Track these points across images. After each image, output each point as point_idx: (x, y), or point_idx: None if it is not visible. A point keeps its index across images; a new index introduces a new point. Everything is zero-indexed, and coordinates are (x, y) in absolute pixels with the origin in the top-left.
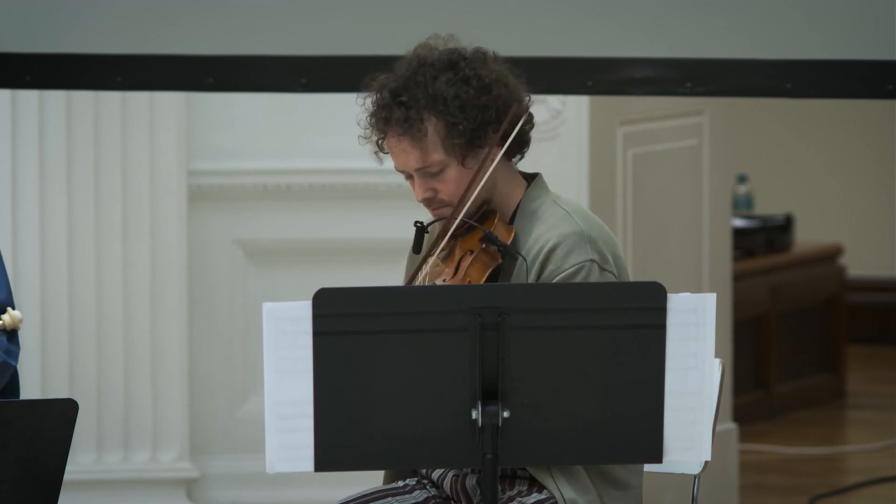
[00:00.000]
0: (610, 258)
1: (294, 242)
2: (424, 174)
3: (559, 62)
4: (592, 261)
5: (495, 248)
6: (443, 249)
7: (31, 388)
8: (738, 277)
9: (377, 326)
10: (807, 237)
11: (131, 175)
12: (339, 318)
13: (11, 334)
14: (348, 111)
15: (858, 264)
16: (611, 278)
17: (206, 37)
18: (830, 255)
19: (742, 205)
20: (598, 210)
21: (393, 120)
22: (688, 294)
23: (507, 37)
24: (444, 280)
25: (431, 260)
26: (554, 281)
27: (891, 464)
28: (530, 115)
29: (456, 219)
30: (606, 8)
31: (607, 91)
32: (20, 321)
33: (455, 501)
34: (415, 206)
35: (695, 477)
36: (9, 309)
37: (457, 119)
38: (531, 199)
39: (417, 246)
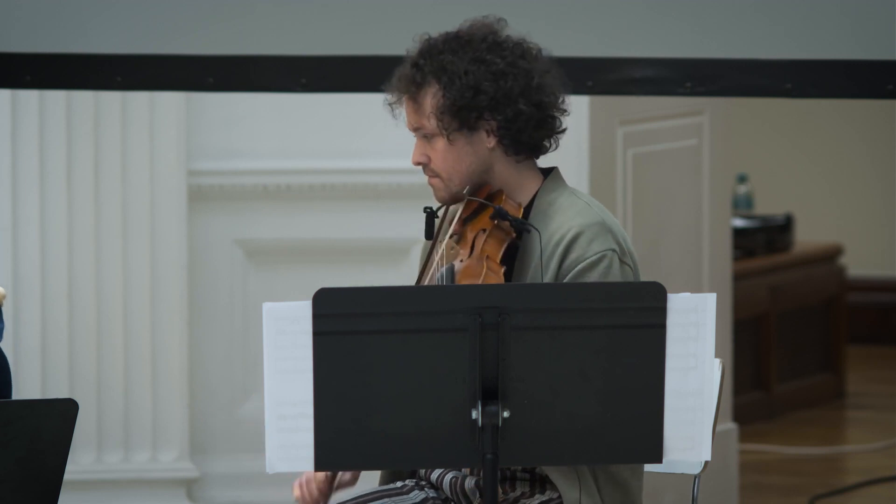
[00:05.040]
0: (627, 251)
1: (294, 242)
2: (422, 137)
3: (559, 62)
4: (614, 250)
5: (507, 222)
6: (454, 233)
7: (31, 388)
8: (738, 277)
9: (377, 326)
10: (807, 237)
11: (131, 175)
12: (339, 318)
13: None
14: (348, 111)
15: (858, 264)
16: (628, 270)
17: (206, 37)
18: (830, 255)
19: (742, 205)
20: None
21: (401, 78)
22: (688, 294)
23: None
24: (461, 260)
25: (445, 241)
26: (577, 268)
27: (891, 464)
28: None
29: (464, 198)
30: (606, 8)
31: (607, 91)
32: (3, 297)
33: (455, 503)
34: (414, 207)
35: (695, 477)
36: None
37: (451, 94)
38: (547, 191)
39: (429, 231)
